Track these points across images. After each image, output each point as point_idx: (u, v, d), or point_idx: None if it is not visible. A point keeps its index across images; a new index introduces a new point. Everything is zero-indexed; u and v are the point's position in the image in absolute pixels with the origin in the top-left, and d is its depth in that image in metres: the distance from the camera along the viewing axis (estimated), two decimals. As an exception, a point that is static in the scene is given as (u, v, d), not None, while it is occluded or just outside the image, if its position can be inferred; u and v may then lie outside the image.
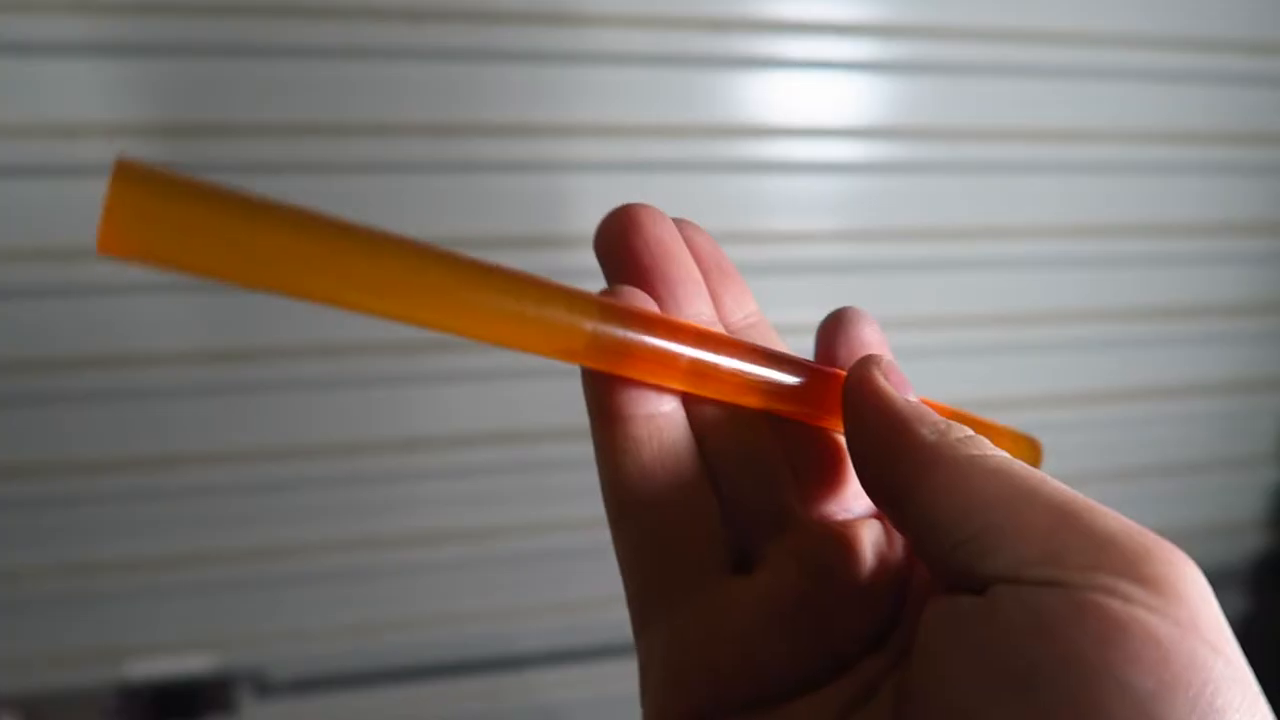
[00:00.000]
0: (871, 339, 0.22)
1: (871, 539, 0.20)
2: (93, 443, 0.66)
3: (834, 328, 0.23)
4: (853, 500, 0.21)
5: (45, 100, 0.59)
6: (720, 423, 0.21)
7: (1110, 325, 0.81)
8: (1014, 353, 0.80)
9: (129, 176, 0.14)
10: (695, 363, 0.19)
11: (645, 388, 0.20)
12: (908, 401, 0.19)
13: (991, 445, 0.18)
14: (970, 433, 0.18)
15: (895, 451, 0.18)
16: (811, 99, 0.69)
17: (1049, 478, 0.17)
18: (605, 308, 0.19)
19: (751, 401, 0.20)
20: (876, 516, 0.21)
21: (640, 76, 0.66)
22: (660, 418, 0.20)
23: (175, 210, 0.14)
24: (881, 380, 0.19)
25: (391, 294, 0.16)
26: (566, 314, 0.18)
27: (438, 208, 0.66)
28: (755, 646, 0.19)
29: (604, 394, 0.20)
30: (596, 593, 0.77)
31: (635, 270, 0.21)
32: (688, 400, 0.21)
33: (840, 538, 0.20)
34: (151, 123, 0.60)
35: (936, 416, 0.19)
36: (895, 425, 0.18)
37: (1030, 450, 0.27)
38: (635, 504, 0.20)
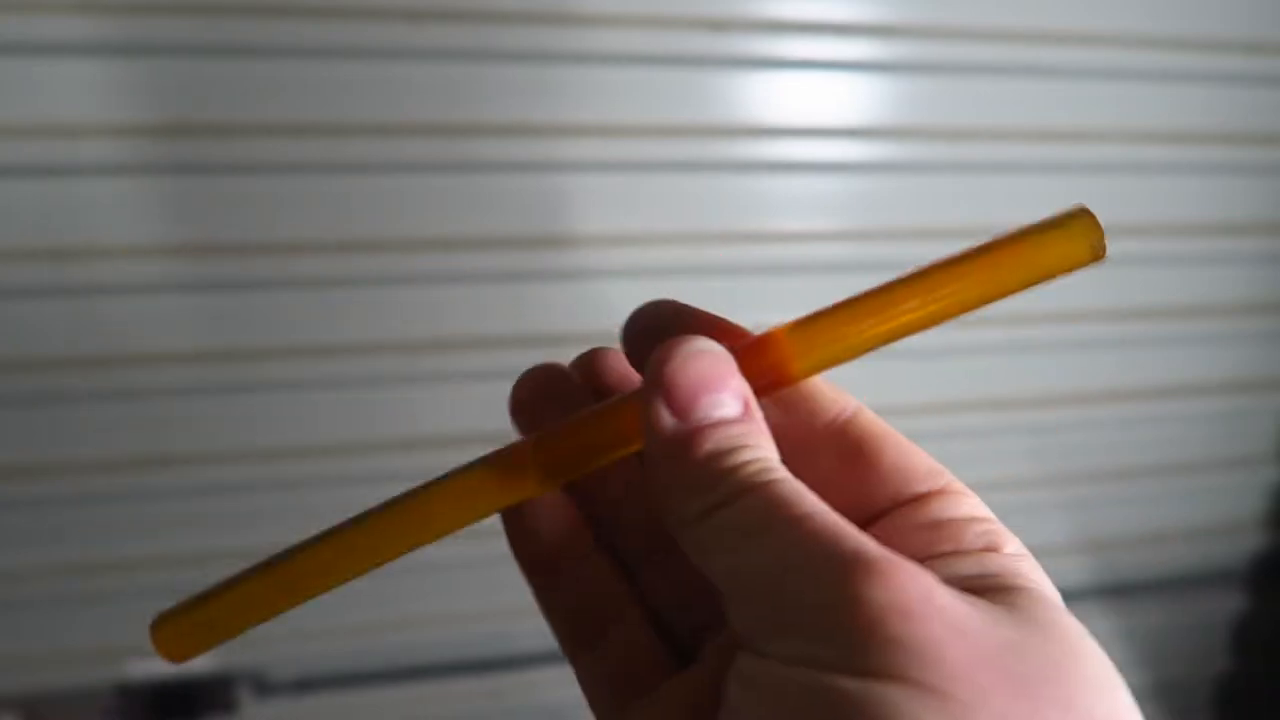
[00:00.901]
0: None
1: None
2: (93, 443, 0.66)
3: (639, 330, 0.21)
4: None
5: (45, 100, 0.59)
6: (642, 549, 0.21)
7: (1110, 325, 0.81)
8: (1014, 353, 0.80)
9: (164, 635, 0.20)
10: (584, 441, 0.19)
11: (559, 543, 0.21)
12: (669, 449, 0.17)
13: (748, 475, 0.16)
14: (729, 464, 0.16)
15: (657, 499, 0.17)
16: (811, 99, 0.69)
17: (785, 505, 0.15)
18: (522, 450, 0.20)
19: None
20: None
21: (640, 76, 0.66)
22: (575, 567, 0.21)
23: (203, 633, 0.21)
24: (657, 411, 0.17)
25: (368, 556, 0.21)
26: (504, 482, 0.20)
27: (438, 208, 0.66)
28: None
29: (520, 558, 0.21)
30: (596, 593, 0.77)
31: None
32: (602, 540, 0.21)
33: None
34: (151, 123, 0.60)
35: (698, 457, 0.16)
36: (653, 485, 0.17)
37: (1077, 229, 0.19)
38: (577, 648, 0.21)
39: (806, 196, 0.71)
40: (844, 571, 0.14)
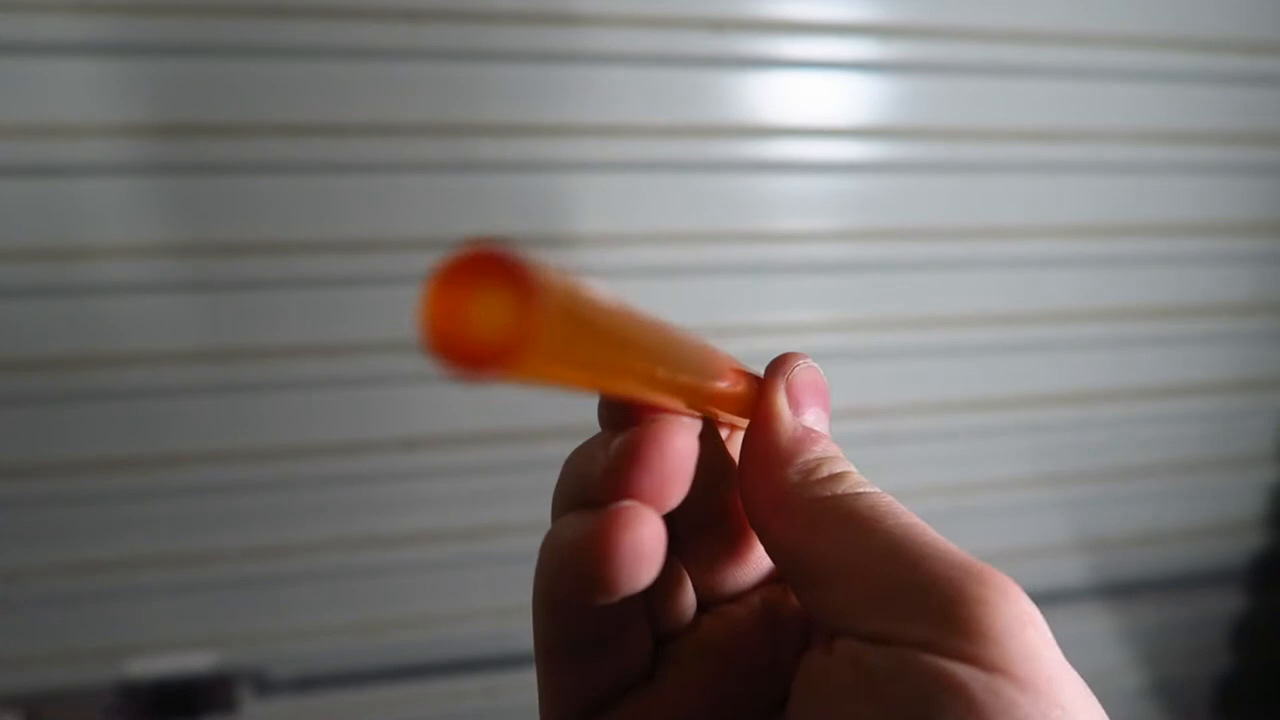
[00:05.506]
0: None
1: (757, 619, 0.20)
2: (93, 443, 0.66)
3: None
4: (752, 567, 0.21)
5: (45, 100, 0.59)
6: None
7: (1110, 325, 0.81)
8: (1014, 353, 0.80)
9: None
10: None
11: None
12: (792, 432, 0.19)
13: (858, 481, 0.18)
14: (840, 470, 0.18)
15: (759, 484, 0.19)
16: (811, 99, 0.69)
17: (896, 513, 0.17)
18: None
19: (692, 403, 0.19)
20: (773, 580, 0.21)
21: (640, 76, 0.66)
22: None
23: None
24: (778, 401, 0.19)
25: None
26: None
27: (438, 208, 0.66)
28: None
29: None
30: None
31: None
32: None
33: (730, 620, 0.20)
34: (151, 123, 0.60)
35: (813, 452, 0.19)
36: (769, 456, 0.19)
37: None
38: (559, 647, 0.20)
39: (806, 196, 0.71)
40: (976, 578, 0.15)
